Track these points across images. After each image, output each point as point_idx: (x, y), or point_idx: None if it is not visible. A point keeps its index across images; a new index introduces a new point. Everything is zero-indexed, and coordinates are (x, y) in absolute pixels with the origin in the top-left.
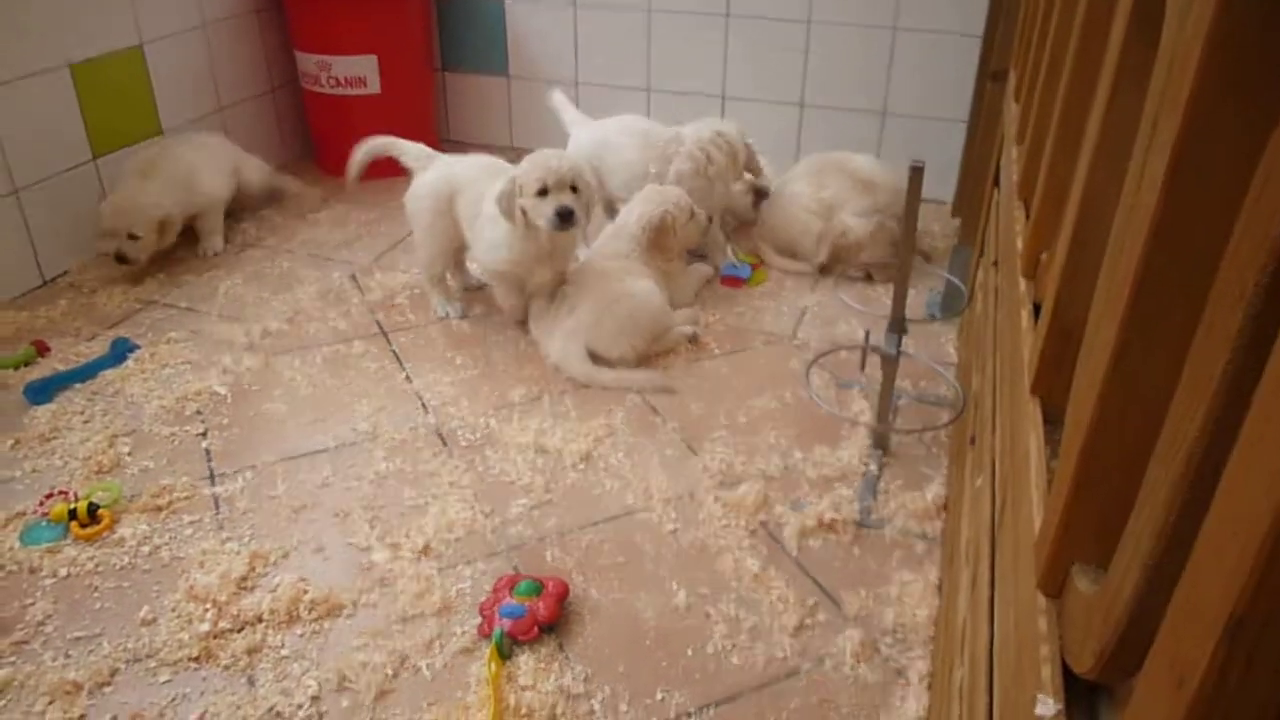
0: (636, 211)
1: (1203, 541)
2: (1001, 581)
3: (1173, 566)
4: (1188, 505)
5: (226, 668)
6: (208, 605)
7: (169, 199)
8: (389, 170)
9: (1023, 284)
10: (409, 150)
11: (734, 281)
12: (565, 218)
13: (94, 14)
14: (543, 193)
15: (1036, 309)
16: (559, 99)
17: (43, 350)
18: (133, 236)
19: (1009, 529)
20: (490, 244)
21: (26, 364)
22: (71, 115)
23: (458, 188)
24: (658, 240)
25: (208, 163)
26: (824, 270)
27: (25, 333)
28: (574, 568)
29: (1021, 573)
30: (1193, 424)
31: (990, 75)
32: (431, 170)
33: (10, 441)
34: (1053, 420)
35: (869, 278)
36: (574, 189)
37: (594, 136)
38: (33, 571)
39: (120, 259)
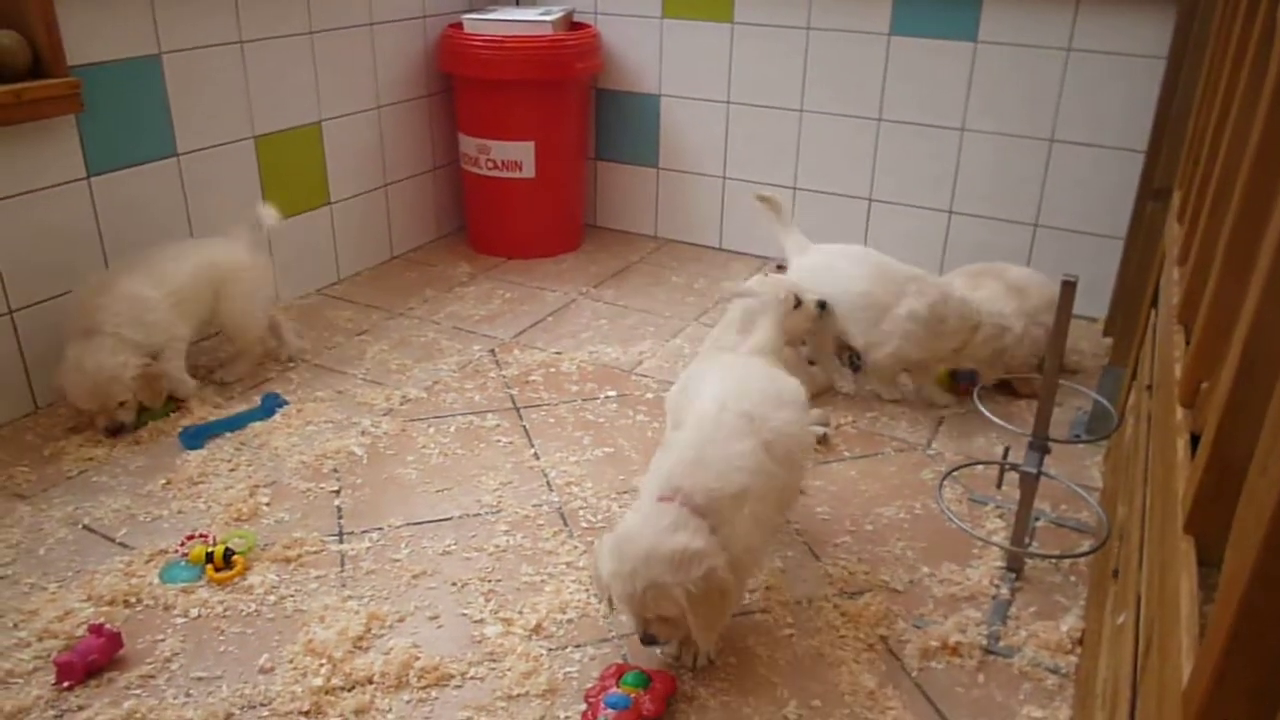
0: (738, 303)
1: None
2: None
3: None
4: None
5: None
6: (324, 660)
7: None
8: (534, 251)
9: (1180, 412)
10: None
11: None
12: (648, 642)
13: (282, 92)
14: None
15: (1194, 440)
16: (792, 235)
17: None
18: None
19: (1153, 674)
20: None
21: (171, 413)
22: (251, 184)
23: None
24: None
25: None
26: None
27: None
28: (685, 663)
29: None
30: None
31: (1152, 193)
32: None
33: (163, 481)
34: (1207, 561)
35: (1009, 388)
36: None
37: (818, 263)
38: (167, 609)
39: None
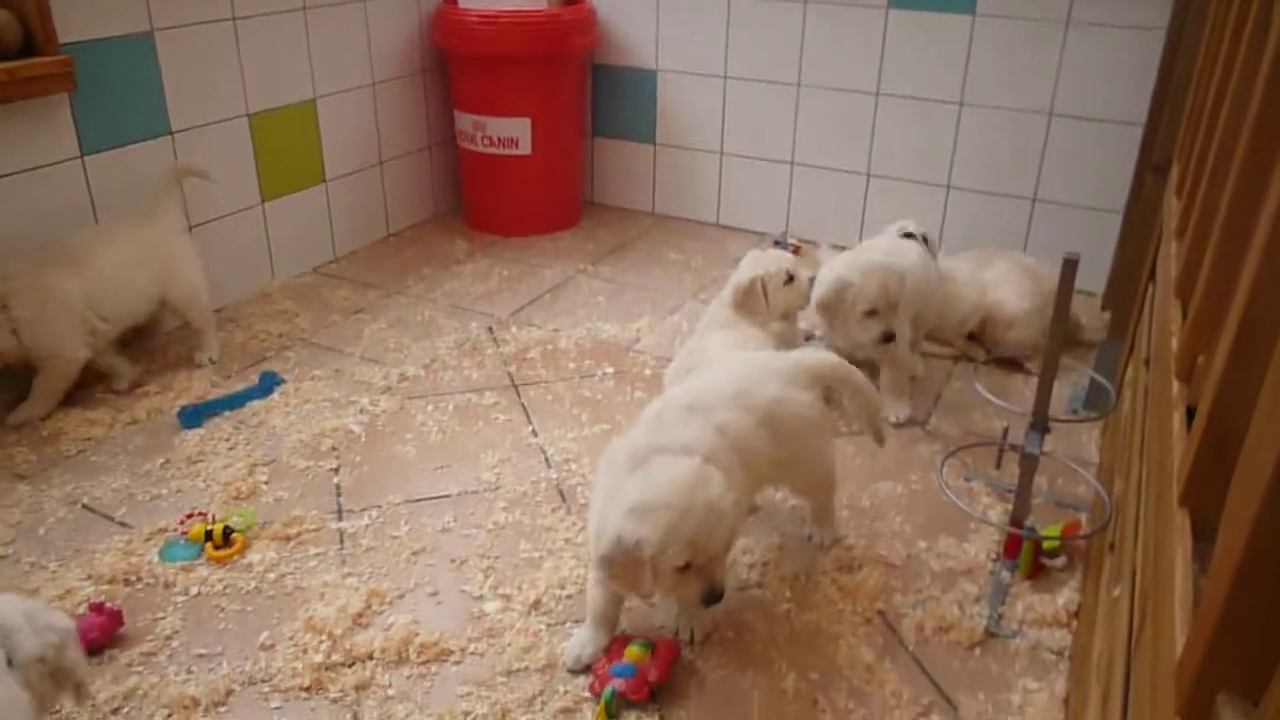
0: (732, 278)
1: None
2: (1137, 703)
3: None
4: None
5: (334, 701)
6: (324, 637)
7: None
8: (531, 228)
9: (1176, 386)
10: None
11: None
12: (717, 597)
13: (276, 70)
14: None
15: (1190, 413)
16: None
17: None
18: None
19: (1148, 647)
20: None
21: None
22: (246, 162)
23: None
24: (746, 302)
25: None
26: (970, 341)
27: (184, 362)
28: (683, 637)
29: (1160, 696)
30: None
31: (1152, 167)
32: None
33: (161, 460)
34: (1202, 534)
35: (1019, 366)
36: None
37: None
38: (167, 586)
39: None
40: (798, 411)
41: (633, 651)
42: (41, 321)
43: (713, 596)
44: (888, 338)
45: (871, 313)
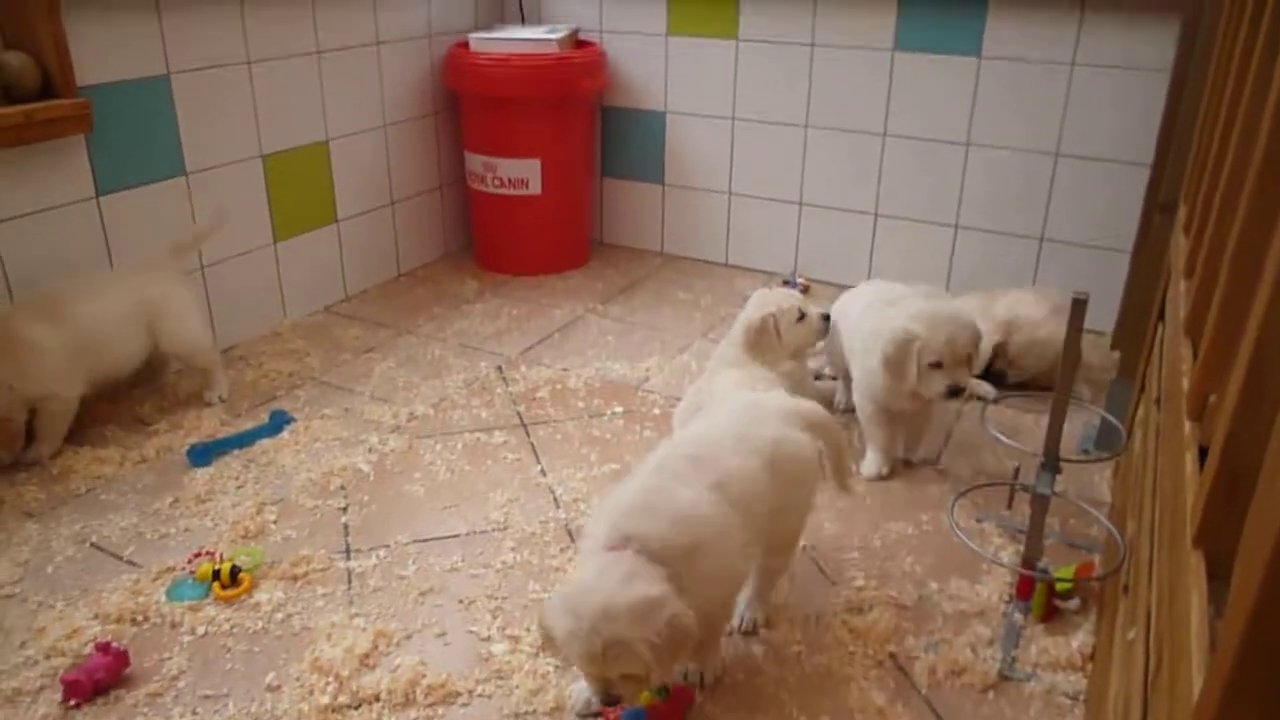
0: (742, 316)
1: None
2: None
3: None
4: None
5: None
6: (330, 678)
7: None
8: (541, 268)
9: (1188, 426)
10: None
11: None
12: (610, 703)
13: (290, 112)
14: None
15: (1202, 453)
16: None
17: None
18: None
19: (1164, 690)
20: None
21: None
22: (259, 203)
23: None
24: (758, 340)
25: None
26: (984, 380)
27: (194, 400)
28: (693, 681)
29: None
30: None
31: (1159, 207)
32: None
33: (171, 499)
34: (1217, 575)
35: (1039, 386)
36: None
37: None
38: (174, 626)
39: None
40: (797, 452)
41: (645, 696)
42: (22, 377)
43: (606, 701)
44: (954, 392)
45: (936, 365)
